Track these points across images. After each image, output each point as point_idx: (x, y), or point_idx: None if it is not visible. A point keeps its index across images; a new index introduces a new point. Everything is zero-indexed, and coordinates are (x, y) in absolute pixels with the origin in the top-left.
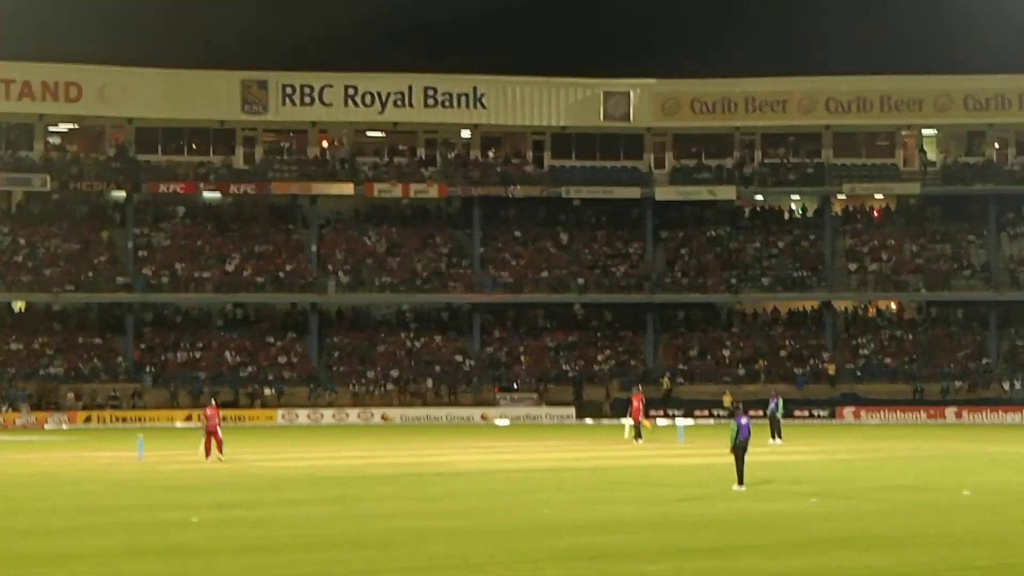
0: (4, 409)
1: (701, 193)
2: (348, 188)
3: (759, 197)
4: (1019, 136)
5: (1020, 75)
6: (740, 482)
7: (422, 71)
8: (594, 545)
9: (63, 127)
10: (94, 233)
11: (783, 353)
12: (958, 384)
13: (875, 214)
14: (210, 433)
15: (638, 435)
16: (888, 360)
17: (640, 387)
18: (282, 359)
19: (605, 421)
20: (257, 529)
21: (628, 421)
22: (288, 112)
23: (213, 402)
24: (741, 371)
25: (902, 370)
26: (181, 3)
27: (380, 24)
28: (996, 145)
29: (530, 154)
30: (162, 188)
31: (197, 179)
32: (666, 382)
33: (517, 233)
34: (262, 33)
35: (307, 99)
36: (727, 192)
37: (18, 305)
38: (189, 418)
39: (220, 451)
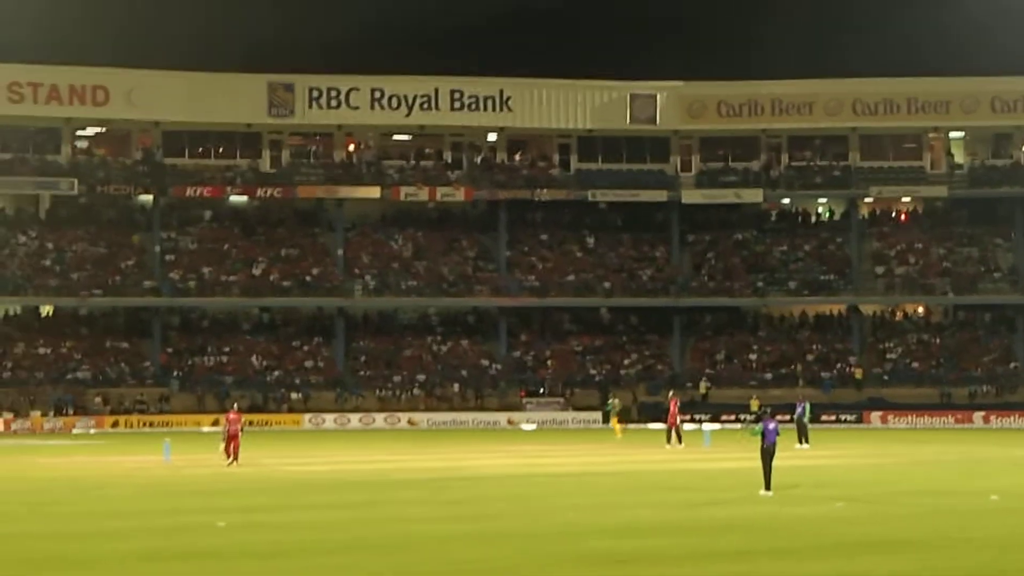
0: (31, 413)
1: (727, 196)
2: (374, 192)
3: (786, 200)
4: None
5: None
6: (767, 486)
7: (448, 74)
8: (618, 549)
9: (90, 131)
10: (121, 237)
11: (810, 357)
12: (985, 388)
13: (902, 217)
14: (231, 437)
15: (678, 439)
16: (915, 364)
17: (673, 392)
18: (308, 363)
19: (632, 426)
20: (282, 533)
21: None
22: (314, 115)
23: (236, 407)
24: (768, 375)
25: (929, 374)
26: (207, 6)
27: (405, 27)
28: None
29: (556, 157)
30: (189, 192)
31: (224, 183)
32: (703, 387)
33: (543, 236)
34: (288, 36)
35: (333, 102)
36: (753, 195)
37: (45, 309)
38: (216, 422)
39: (236, 457)
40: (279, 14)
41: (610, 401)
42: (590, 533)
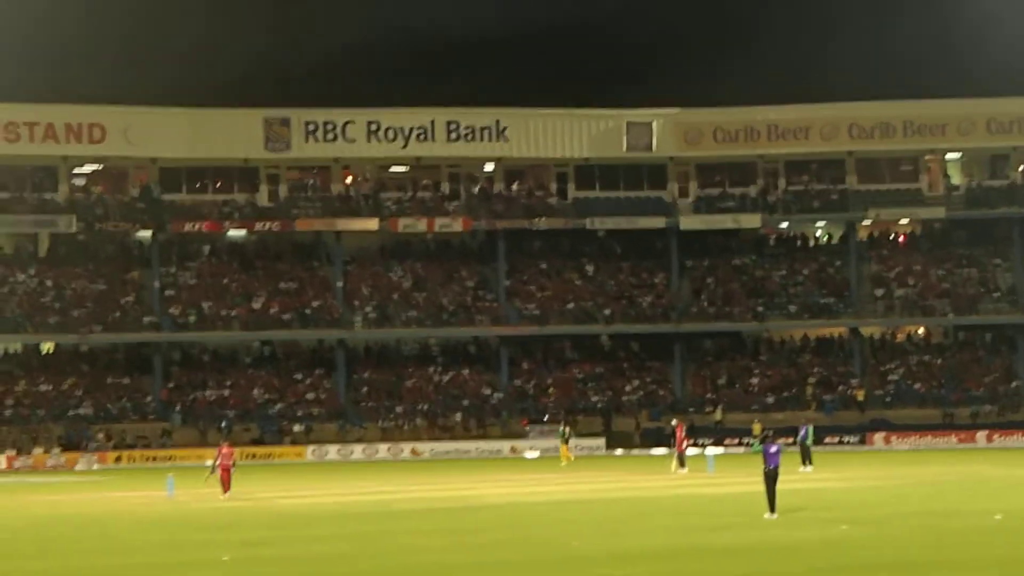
0: (34, 450)
1: (725, 222)
2: (372, 224)
3: (784, 224)
4: None
5: None
6: (772, 510)
7: (443, 105)
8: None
9: (87, 168)
10: (121, 273)
11: (811, 380)
12: (988, 407)
13: (900, 239)
14: (224, 471)
15: (682, 464)
16: (917, 385)
17: (677, 419)
18: (310, 395)
19: (635, 451)
20: (286, 567)
21: (674, 452)
22: (311, 149)
23: (229, 441)
24: (770, 399)
25: (931, 395)
26: (199, 39)
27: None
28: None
29: (554, 186)
30: (187, 227)
31: (222, 217)
32: (718, 412)
33: (542, 265)
34: (283, 67)
35: (330, 135)
36: (751, 220)
37: (46, 347)
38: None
39: (228, 489)
40: (271, 42)
41: (562, 428)
42: (595, 560)
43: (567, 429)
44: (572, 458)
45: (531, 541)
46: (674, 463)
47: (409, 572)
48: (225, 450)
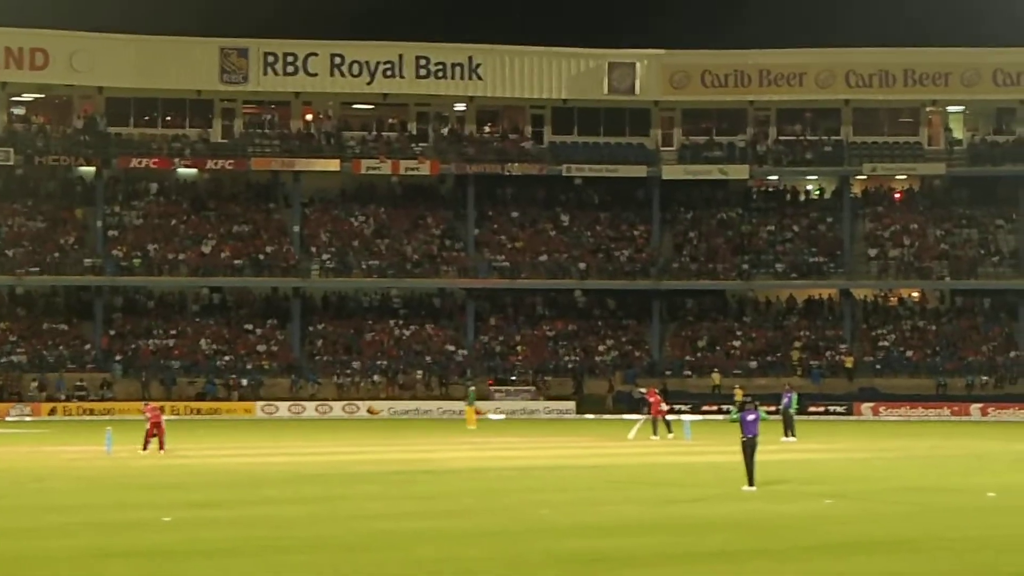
0: None
1: (711, 172)
2: (334, 165)
3: (773, 177)
4: None
5: None
6: (750, 482)
7: (413, 40)
8: (595, 549)
9: (28, 97)
10: (61, 211)
11: (798, 344)
12: (984, 379)
13: (897, 196)
14: (153, 427)
15: (666, 429)
16: (910, 353)
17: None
18: (261, 348)
19: (607, 416)
20: (234, 530)
21: (640, 418)
22: (270, 82)
23: (151, 403)
24: (753, 363)
25: (924, 363)
26: None
27: None
28: None
29: (529, 129)
30: (134, 163)
31: (172, 154)
32: (716, 378)
33: (515, 214)
34: None
35: (290, 68)
36: (739, 171)
37: None
38: (162, 410)
39: (162, 447)
40: None
41: (471, 389)
42: (565, 531)
43: (473, 390)
44: (476, 424)
45: (496, 510)
46: (660, 429)
47: (367, 539)
48: (148, 408)
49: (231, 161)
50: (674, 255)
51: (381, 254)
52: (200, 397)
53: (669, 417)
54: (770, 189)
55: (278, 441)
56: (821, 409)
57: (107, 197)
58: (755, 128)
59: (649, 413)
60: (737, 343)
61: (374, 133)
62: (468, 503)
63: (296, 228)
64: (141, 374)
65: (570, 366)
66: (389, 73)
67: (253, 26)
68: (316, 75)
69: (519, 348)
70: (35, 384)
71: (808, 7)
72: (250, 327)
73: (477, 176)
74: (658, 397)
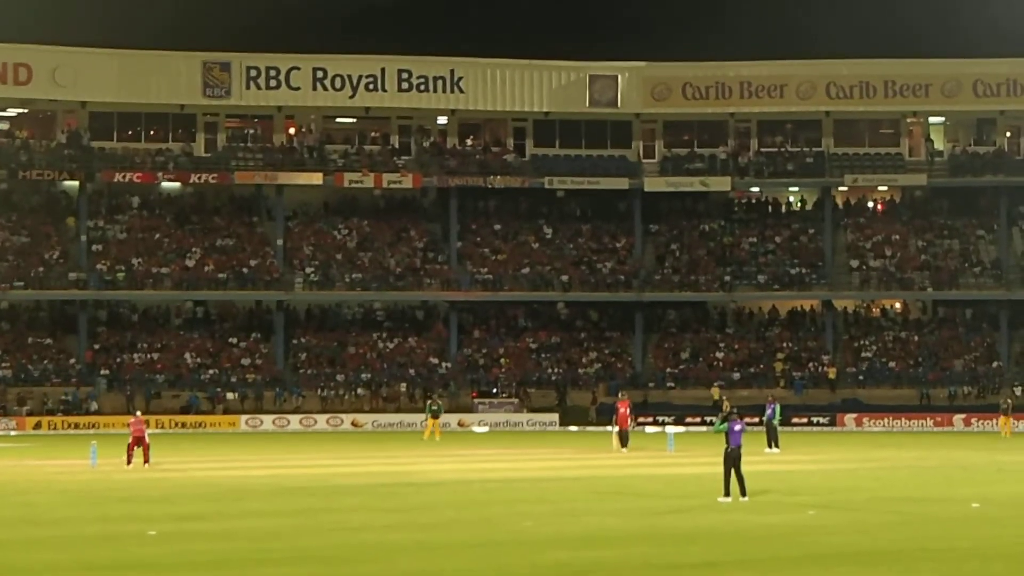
0: None
1: (693, 184)
2: (316, 178)
3: (755, 189)
4: None
5: None
6: (726, 492)
7: (395, 54)
8: (577, 560)
9: (11, 112)
10: (45, 225)
11: (780, 356)
12: (966, 389)
13: (878, 207)
14: (136, 438)
15: (624, 443)
16: (892, 363)
17: (623, 393)
18: (245, 361)
19: (591, 428)
20: (219, 543)
21: (614, 429)
22: (253, 96)
23: (139, 413)
24: (735, 374)
25: (907, 374)
26: None
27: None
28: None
29: (511, 142)
30: (117, 177)
31: (155, 168)
32: (716, 391)
33: (497, 227)
34: (224, 11)
35: (273, 82)
36: (721, 183)
37: None
38: (147, 424)
39: (147, 460)
40: None
41: (434, 401)
42: (548, 543)
43: (437, 403)
44: (438, 437)
45: (479, 521)
46: (615, 441)
47: (350, 552)
48: (133, 421)
49: (214, 175)
50: (656, 267)
51: (364, 267)
52: (184, 411)
53: (651, 429)
54: (752, 201)
55: (262, 454)
56: (804, 420)
57: (90, 211)
58: (736, 140)
59: (616, 424)
60: (720, 354)
61: (356, 146)
62: (451, 515)
63: (279, 241)
64: (126, 388)
65: (553, 378)
66: (371, 87)
67: (235, 39)
68: (299, 89)
69: (502, 360)
70: (19, 398)
71: (788, 19)
72: (234, 340)
73: (459, 189)
74: (626, 411)
